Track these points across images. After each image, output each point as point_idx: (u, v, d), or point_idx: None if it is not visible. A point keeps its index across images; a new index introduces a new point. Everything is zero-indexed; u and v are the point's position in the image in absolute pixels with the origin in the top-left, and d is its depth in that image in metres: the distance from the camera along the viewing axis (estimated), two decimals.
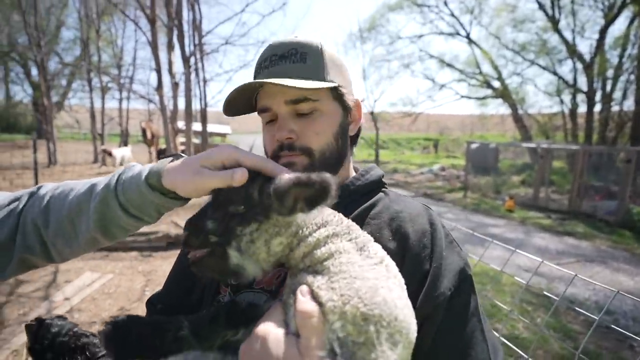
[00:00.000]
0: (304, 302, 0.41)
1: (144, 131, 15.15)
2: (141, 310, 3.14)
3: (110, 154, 13.81)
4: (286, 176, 0.47)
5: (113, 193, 0.58)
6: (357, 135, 0.82)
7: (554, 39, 14.69)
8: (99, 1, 16.91)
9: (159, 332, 0.48)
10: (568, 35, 13.70)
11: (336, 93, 0.73)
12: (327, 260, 0.45)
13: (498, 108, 17.76)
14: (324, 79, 0.70)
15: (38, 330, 0.54)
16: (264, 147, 0.77)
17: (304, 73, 0.69)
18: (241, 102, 0.76)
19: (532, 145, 12.25)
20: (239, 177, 0.49)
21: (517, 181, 12.87)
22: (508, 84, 16.30)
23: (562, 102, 15.06)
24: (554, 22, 13.60)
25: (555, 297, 1.30)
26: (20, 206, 0.63)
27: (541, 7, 13.83)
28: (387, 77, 21.00)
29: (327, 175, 0.44)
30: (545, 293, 1.58)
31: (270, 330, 0.43)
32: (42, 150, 12.22)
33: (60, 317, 0.60)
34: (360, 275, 0.43)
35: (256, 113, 0.78)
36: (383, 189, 0.79)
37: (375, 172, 0.81)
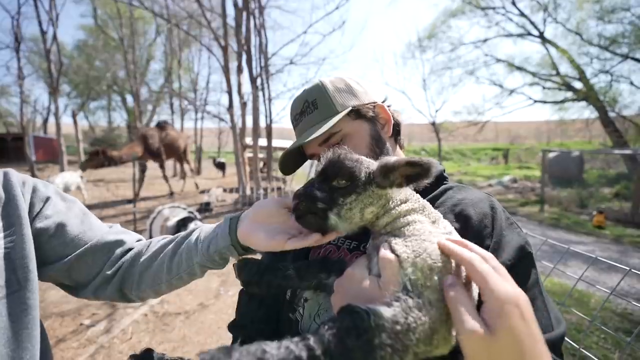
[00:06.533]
0: (385, 251, 0.52)
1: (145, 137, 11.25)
2: (217, 308, 3.47)
3: None
4: (395, 157, 0.56)
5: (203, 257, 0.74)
6: (397, 130, 0.90)
7: None
8: (180, 35, 19.42)
9: (273, 270, 0.63)
10: None
11: (353, 113, 0.83)
12: (404, 228, 0.56)
13: (581, 112, 15.58)
14: (335, 112, 0.82)
15: None
16: None
17: (319, 118, 0.82)
18: (293, 160, 0.90)
19: (629, 151, 10.48)
20: (314, 241, 0.61)
21: (609, 194, 11.17)
22: (594, 84, 14.35)
23: None
24: None
25: None
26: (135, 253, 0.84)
27: None
28: (450, 85, 20.14)
29: (433, 160, 0.54)
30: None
31: (357, 271, 0.56)
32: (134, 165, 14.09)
33: (150, 350, 0.69)
34: (429, 239, 0.52)
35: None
36: (444, 182, 0.86)
37: (435, 168, 0.87)
